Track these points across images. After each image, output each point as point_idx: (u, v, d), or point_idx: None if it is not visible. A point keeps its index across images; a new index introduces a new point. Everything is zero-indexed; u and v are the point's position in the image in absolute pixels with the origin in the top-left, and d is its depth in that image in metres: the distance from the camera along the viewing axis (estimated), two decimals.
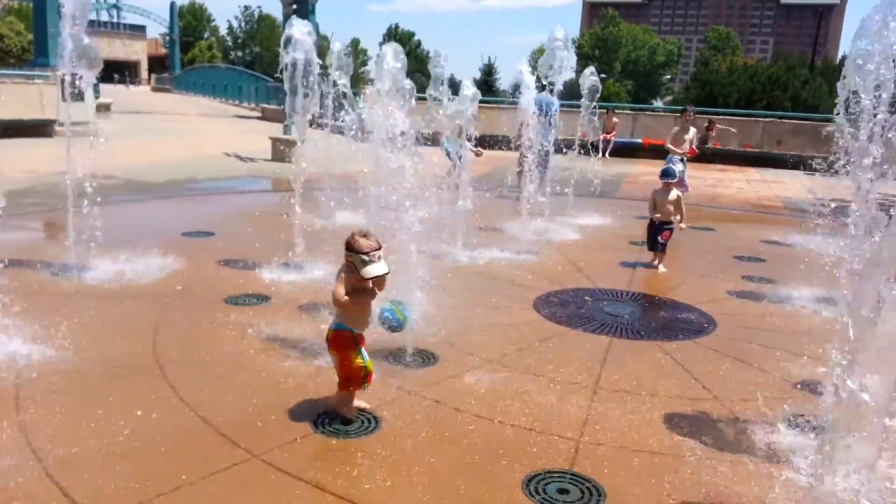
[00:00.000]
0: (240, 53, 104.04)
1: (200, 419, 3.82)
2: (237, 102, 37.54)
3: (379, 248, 3.51)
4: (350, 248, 3.50)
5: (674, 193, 7.58)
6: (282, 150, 14.79)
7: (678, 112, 24.04)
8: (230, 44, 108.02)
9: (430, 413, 4.02)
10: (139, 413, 3.85)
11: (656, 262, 7.69)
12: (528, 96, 9.33)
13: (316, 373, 4.45)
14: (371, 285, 3.57)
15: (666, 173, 7.66)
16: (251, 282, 6.40)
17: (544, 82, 10.98)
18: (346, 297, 3.53)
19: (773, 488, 3.35)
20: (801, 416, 4.02)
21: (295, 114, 7.42)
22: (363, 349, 3.68)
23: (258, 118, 29.45)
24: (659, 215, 7.55)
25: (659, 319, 6.10)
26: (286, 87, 7.24)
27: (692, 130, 11.22)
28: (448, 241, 7.81)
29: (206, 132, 22.43)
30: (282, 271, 6.66)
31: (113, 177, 11.54)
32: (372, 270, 3.45)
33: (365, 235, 3.52)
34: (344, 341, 3.64)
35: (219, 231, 8.46)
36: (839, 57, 65.15)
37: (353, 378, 3.69)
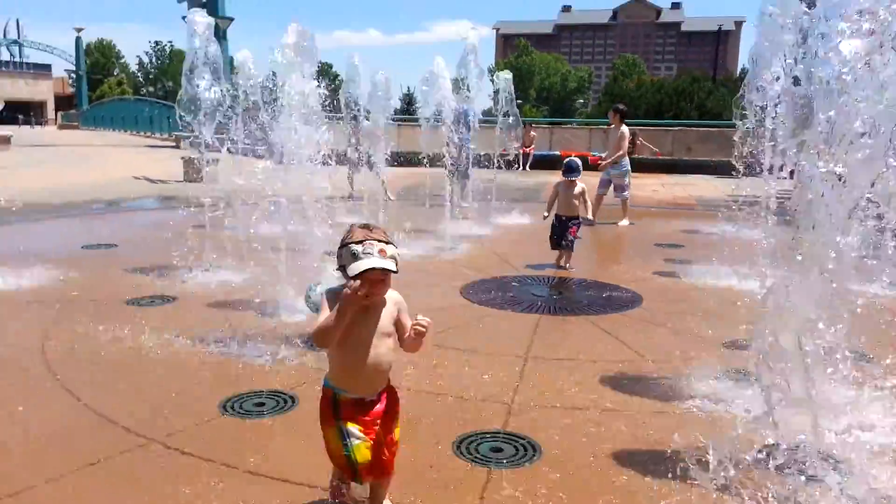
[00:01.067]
0: (151, 89, 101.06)
1: (92, 411, 3.42)
2: (149, 134, 36.21)
3: (382, 242, 2.28)
4: (341, 243, 2.33)
5: (579, 187, 7.16)
6: (194, 171, 14.19)
7: (592, 125, 24.87)
8: (141, 80, 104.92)
9: None
10: (21, 409, 3.42)
11: (563, 262, 7.10)
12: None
13: (220, 364, 4.10)
14: (363, 296, 2.23)
15: (570, 168, 7.19)
16: (156, 286, 5.96)
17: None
18: (318, 325, 2.30)
19: (703, 431, 3.25)
20: (726, 369, 3.99)
21: (199, 133, 7.13)
22: (349, 428, 2.33)
23: (172, 147, 28.41)
24: (562, 211, 7.12)
25: (586, 298, 6.03)
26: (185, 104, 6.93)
27: (621, 131, 10.46)
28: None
29: (114, 160, 21.38)
30: (188, 276, 6.22)
31: (9, 201, 10.73)
32: (361, 265, 2.22)
33: (366, 227, 2.33)
34: (321, 405, 2.41)
35: (122, 243, 7.91)
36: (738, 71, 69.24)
37: (335, 463, 2.42)
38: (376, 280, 2.26)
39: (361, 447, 2.32)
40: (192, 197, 7.50)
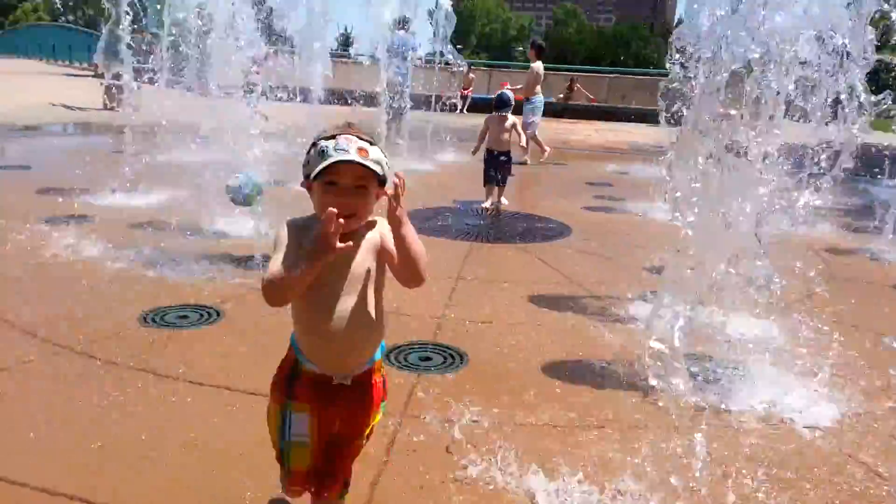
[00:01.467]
0: (71, 17, 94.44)
1: (3, 321, 3.27)
2: (68, 63, 34.05)
3: (364, 141, 1.58)
4: (310, 146, 1.62)
5: (510, 121, 6.95)
6: (114, 98, 13.44)
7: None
8: (59, 7, 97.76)
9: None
10: None
11: (496, 198, 6.83)
12: None
13: (140, 279, 3.98)
14: (339, 227, 1.46)
15: (501, 103, 6.91)
16: (72, 206, 5.65)
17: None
18: (271, 272, 1.56)
19: (621, 343, 3.38)
20: (644, 291, 4.14)
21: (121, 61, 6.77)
22: (294, 418, 1.68)
23: (92, 76, 26.77)
24: (494, 146, 6.87)
25: (518, 228, 6.11)
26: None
27: (532, 66, 10.90)
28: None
29: (29, 87, 20.02)
30: (107, 198, 5.96)
31: None
32: (328, 160, 1.54)
33: (347, 125, 1.64)
34: (278, 369, 1.76)
35: (36, 165, 7.49)
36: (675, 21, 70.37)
37: (272, 439, 1.78)
38: (351, 187, 1.55)
39: (299, 450, 1.69)
40: (110, 124, 7.16)
